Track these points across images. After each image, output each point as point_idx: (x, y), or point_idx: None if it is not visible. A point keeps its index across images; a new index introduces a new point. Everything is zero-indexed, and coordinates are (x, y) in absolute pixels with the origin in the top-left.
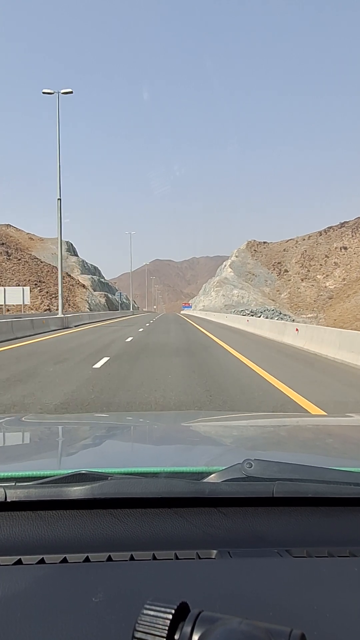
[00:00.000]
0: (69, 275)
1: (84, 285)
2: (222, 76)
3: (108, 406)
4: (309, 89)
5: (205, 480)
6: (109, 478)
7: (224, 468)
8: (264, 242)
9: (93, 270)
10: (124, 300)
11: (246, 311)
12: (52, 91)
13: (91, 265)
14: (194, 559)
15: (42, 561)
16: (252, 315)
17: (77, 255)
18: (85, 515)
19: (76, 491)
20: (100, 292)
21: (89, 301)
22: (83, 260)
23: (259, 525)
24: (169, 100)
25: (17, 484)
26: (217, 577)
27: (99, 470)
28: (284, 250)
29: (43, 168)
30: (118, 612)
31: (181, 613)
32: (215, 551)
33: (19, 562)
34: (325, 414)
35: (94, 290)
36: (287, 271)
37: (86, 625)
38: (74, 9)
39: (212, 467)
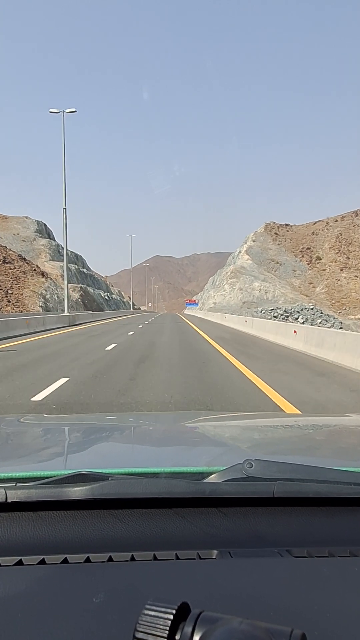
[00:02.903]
0: (22, 259)
1: (43, 274)
2: (222, 75)
3: None
4: (309, 86)
5: (205, 480)
6: (110, 478)
7: (224, 468)
8: (286, 225)
9: (73, 259)
10: (115, 296)
11: (278, 311)
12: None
13: (71, 252)
14: (194, 559)
15: (42, 562)
16: (287, 317)
17: (52, 238)
18: (86, 516)
19: (77, 492)
20: (76, 285)
21: (48, 296)
22: (58, 245)
23: (259, 525)
24: (168, 100)
25: (18, 484)
26: (218, 577)
27: (100, 471)
28: (313, 233)
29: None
30: (119, 612)
31: (182, 613)
32: (215, 551)
33: (20, 562)
34: (326, 414)
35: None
36: (320, 259)
37: (87, 625)
38: (75, 7)
39: (213, 467)
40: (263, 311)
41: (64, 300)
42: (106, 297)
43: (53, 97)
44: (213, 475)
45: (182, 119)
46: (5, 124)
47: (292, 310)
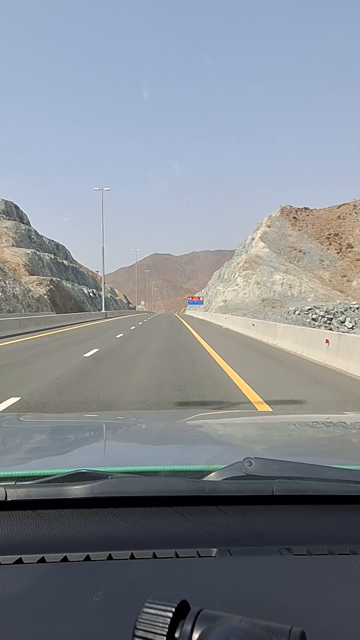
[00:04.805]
0: None
1: None
2: (221, 73)
3: None
4: (309, 82)
5: (205, 478)
6: (109, 477)
7: (224, 466)
8: (305, 208)
9: (53, 249)
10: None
11: (317, 312)
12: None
13: (49, 240)
14: (194, 557)
15: (42, 560)
16: (331, 319)
17: (25, 223)
18: (86, 514)
19: (76, 490)
20: (43, 278)
21: None
22: (29, 230)
23: (259, 523)
24: (168, 99)
25: (18, 483)
26: (218, 575)
27: (99, 469)
28: (339, 217)
29: None
30: (118, 610)
31: (181, 611)
32: (215, 549)
33: (20, 561)
34: (326, 413)
35: (31, 274)
36: (352, 247)
37: (87, 623)
38: (75, 7)
39: (212, 465)
40: (297, 312)
41: (15, 296)
42: (91, 294)
43: (53, 96)
44: (213, 474)
45: (182, 117)
46: (7, 121)
47: (335, 310)
